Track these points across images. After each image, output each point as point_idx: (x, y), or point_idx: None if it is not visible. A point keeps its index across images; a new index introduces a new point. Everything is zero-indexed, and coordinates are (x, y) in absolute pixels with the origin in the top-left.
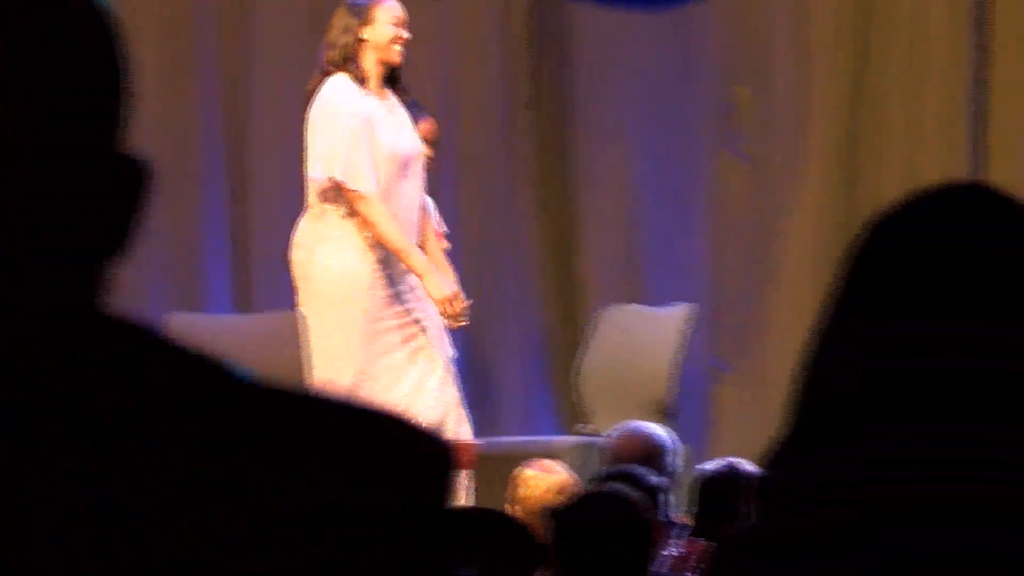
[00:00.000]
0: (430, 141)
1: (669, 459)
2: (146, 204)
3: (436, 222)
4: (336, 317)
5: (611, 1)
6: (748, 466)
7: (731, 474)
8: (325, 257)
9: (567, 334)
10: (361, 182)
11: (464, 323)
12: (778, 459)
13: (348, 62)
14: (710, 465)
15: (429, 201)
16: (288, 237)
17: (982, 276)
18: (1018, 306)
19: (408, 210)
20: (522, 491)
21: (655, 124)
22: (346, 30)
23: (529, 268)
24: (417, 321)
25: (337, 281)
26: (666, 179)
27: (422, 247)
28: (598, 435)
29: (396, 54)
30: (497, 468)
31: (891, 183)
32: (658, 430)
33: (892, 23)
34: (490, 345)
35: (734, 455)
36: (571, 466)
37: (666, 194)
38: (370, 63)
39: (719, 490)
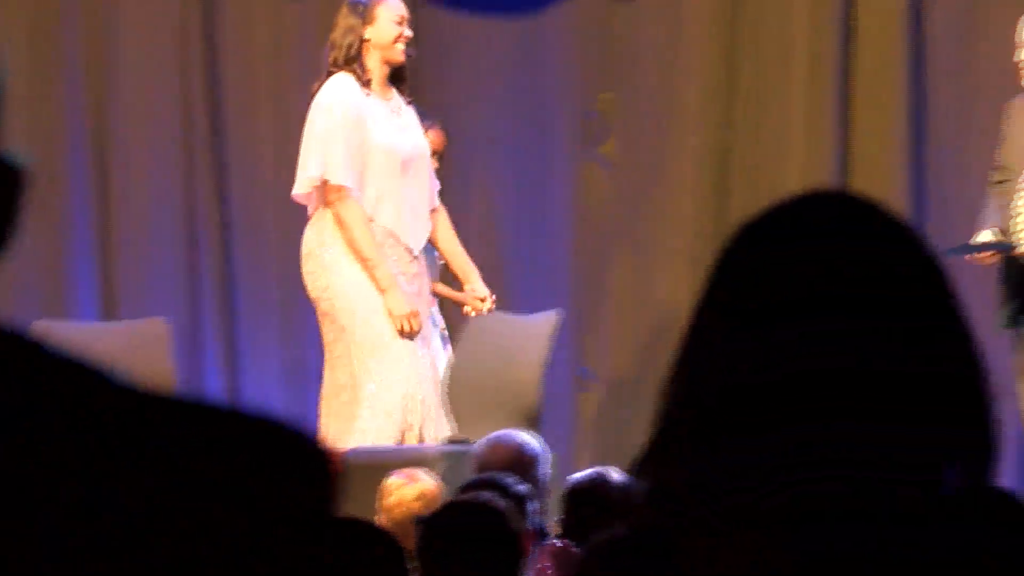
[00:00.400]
0: (437, 152)
1: (540, 468)
2: (21, 208)
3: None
4: (355, 321)
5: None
6: (616, 475)
7: (599, 483)
8: (334, 264)
9: None
10: (336, 174)
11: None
12: (645, 467)
13: (351, 62)
14: (579, 474)
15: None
16: (155, 244)
17: (842, 282)
18: (879, 309)
19: (412, 211)
20: (388, 500)
21: (518, 131)
22: (349, 30)
23: None
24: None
25: (350, 287)
26: (530, 186)
27: (436, 246)
28: (467, 443)
29: (399, 53)
30: (366, 477)
31: (759, 190)
32: (528, 439)
33: (758, 31)
34: None
35: (600, 463)
36: (440, 474)
37: (531, 201)
38: (374, 62)
39: (588, 499)
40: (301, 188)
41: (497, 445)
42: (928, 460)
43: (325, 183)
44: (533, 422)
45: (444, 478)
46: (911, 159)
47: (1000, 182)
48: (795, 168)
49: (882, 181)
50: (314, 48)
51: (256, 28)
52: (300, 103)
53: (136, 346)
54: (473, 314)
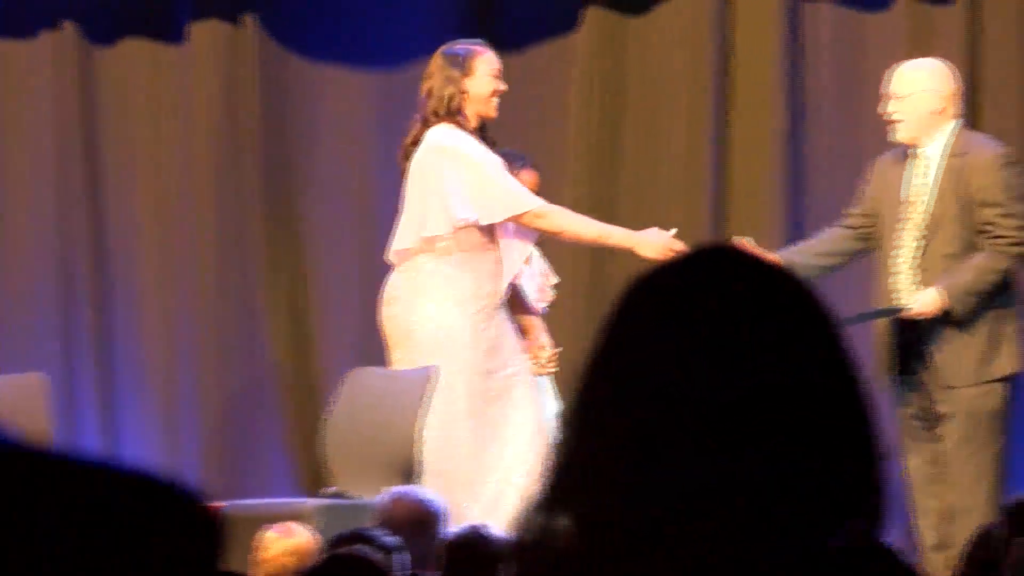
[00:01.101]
0: (533, 192)
1: (441, 524)
2: None
3: (542, 274)
4: (444, 372)
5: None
6: (493, 529)
7: (476, 537)
8: (425, 311)
9: (307, 399)
10: (530, 200)
11: (553, 370)
12: (530, 520)
13: (453, 114)
14: (455, 528)
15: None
16: (32, 299)
17: (733, 341)
18: (770, 368)
19: (509, 264)
20: (262, 554)
21: (391, 185)
22: (449, 81)
23: (265, 332)
24: (515, 372)
25: (441, 334)
26: None
27: (514, 307)
28: (344, 497)
29: (494, 108)
30: (241, 531)
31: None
32: (430, 495)
33: (640, 81)
34: (230, 407)
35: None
36: (316, 529)
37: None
38: (470, 114)
39: (464, 553)
40: (441, 229)
41: (399, 501)
42: (816, 517)
43: (517, 219)
44: (410, 477)
45: (321, 532)
46: (788, 211)
47: (865, 229)
48: (672, 222)
49: (759, 236)
50: (194, 108)
51: (134, 86)
52: (180, 161)
53: (13, 401)
54: (537, 366)
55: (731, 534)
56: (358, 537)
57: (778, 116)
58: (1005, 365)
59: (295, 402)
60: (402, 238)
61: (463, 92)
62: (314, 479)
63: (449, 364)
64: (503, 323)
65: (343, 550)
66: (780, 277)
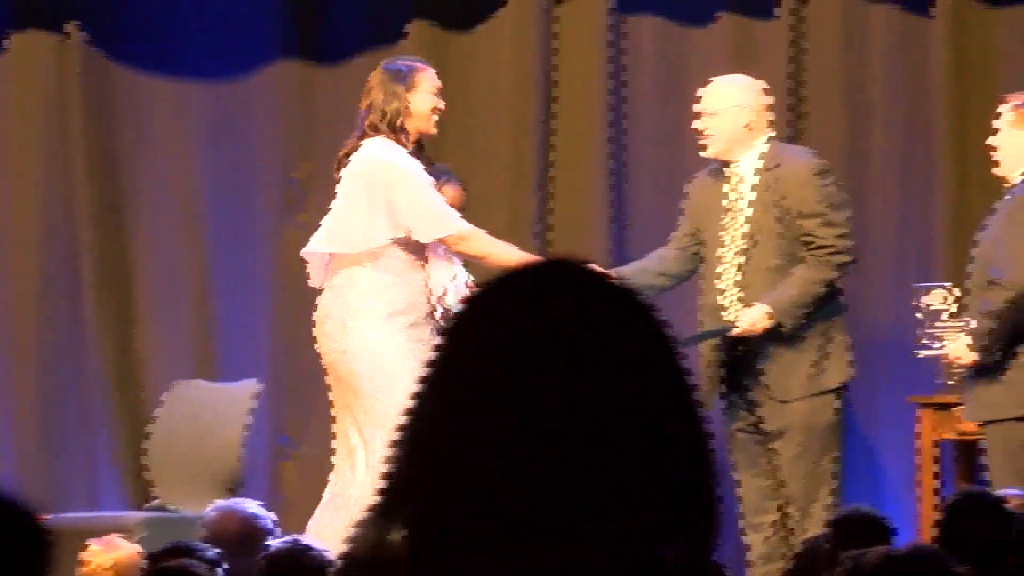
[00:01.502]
0: (458, 207)
1: (269, 538)
2: None
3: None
4: (383, 385)
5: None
6: (315, 544)
7: (297, 552)
8: (357, 329)
9: (133, 410)
10: (457, 223)
11: None
12: (362, 535)
13: (395, 129)
14: (276, 542)
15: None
16: None
17: (569, 354)
18: (605, 383)
19: (436, 283)
20: (85, 567)
21: (220, 198)
22: (393, 95)
23: (91, 343)
24: None
25: (378, 348)
26: (232, 253)
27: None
28: (168, 510)
29: (433, 125)
30: (66, 544)
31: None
32: (259, 509)
33: (464, 94)
34: (53, 421)
35: (300, 532)
36: (141, 542)
37: (233, 268)
38: (410, 131)
39: (285, 568)
40: (379, 242)
41: (227, 514)
42: (647, 531)
43: (445, 240)
44: (234, 490)
45: (144, 545)
46: (611, 223)
47: (692, 248)
48: (495, 233)
49: (582, 247)
50: (17, 119)
51: None
52: (4, 171)
53: None
54: None
55: (562, 546)
56: (180, 550)
57: (601, 129)
58: (835, 376)
59: (122, 413)
60: (332, 242)
61: (406, 108)
62: (142, 492)
63: (387, 378)
64: (434, 341)
65: (167, 564)
66: (617, 292)
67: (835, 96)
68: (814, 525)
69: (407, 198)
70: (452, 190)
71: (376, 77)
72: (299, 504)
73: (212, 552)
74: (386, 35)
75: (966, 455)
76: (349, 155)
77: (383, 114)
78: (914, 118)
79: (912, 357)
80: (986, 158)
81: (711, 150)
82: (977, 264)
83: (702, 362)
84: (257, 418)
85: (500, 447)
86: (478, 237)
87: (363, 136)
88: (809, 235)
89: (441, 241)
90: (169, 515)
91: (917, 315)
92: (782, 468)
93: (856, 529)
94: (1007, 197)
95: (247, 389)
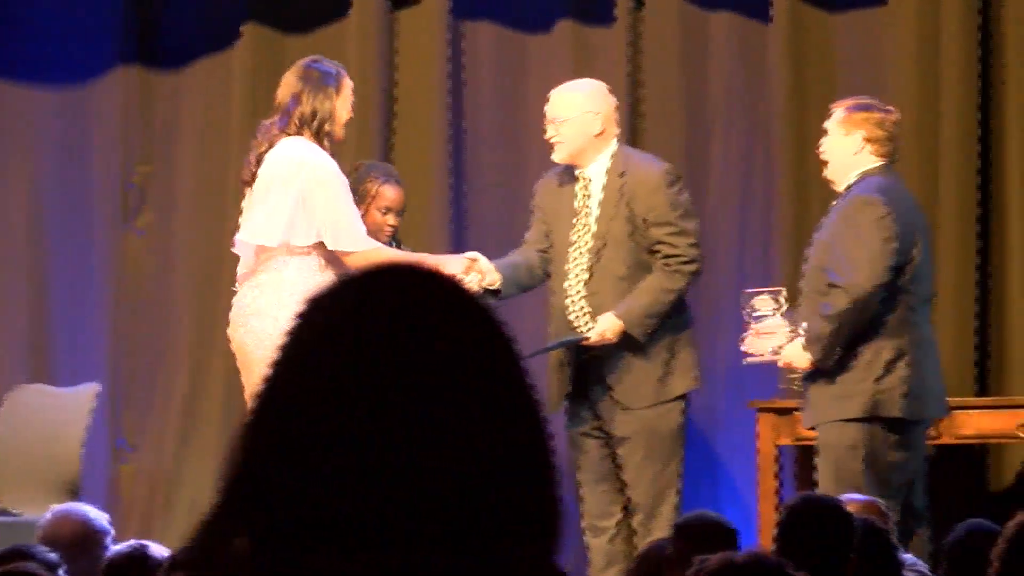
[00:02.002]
0: (398, 208)
1: (106, 543)
2: None
3: None
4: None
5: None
6: (156, 548)
7: (138, 556)
8: (267, 329)
9: None
10: (366, 241)
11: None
12: (203, 537)
13: (320, 130)
14: (117, 547)
15: None
16: None
17: (411, 359)
18: (446, 388)
19: None
20: None
21: (59, 203)
22: (325, 96)
23: None
24: None
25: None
26: (70, 257)
27: None
28: (7, 514)
29: (343, 132)
30: None
31: None
32: (96, 513)
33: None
34: None
35: (140, 536)
36: None
37: (71, 272)
38: (331, 134)
39: (126, 573)
40: (306, 241)
41: (64, 518)
42: (489, 537)
43: (346, 252)
44: (73, 494)
45: None
46: (452, 228)
47: (543, 251)
48: None
49: (424, 251)
50: None
51: None
52: None
53: None
54: None
55: (405, 550)
56: (20, 554)
57: (441, 133)
58: (680, 385)
59: None
60: (259, 235)
61: (335, 111)
62: None
63: None
64: None
65: (7, 567)
66: (459, 296)
67: (674, 102)
68: (658, 530)
69: (325, 204)
70: (393, 191)
71: (305, 74)
72: (137, 507)
73: (53, 556)
74: (222, 39)
75: (807, 460)
76: (268, 149)
77: (313, 113)
78: (753, 124)
79: (743, 364)
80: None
81: (561, 156)
82: (811, 268)
83: (549, 366)
84: (95, 422)
85: (342, 451)
86: (381, 250)
87: (284, 131)
88: (659, 243)
89: (343, 255)
90: (9, 519)
91: (747, 321)
92: (625, 474)
93: (700, 534)
94: (839, 202)
95: (86, 393)
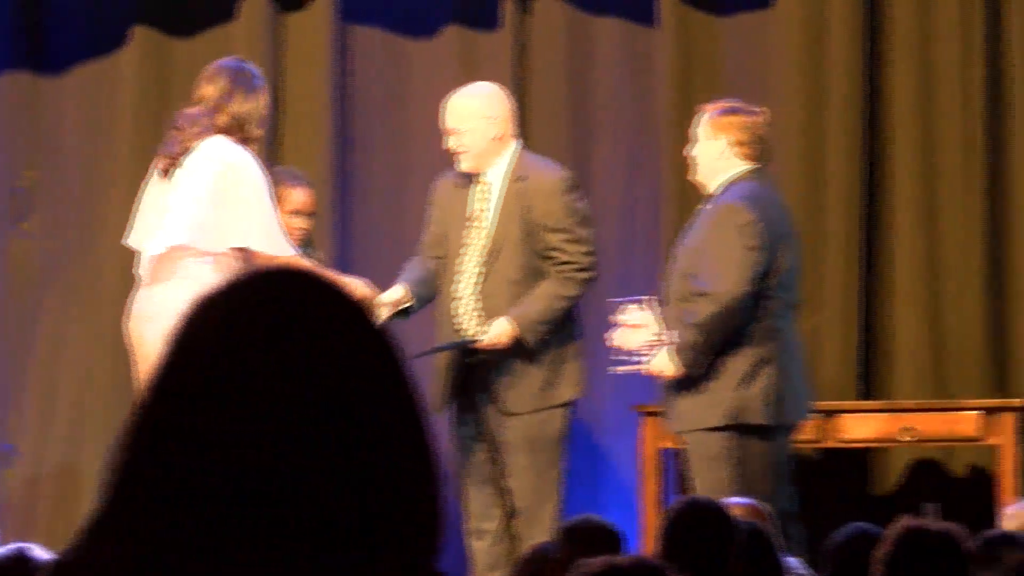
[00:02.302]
0: (308, 211)
1: None
2: None
3: None
4: None
5: None
6: (40, 552)
7: (21, 560)
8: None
9: None
10: (288, 248)
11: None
12: (85, 542)
13: (242, 129)
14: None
15: None
16: None
17: (293, 363)
18: (328, 391)
19: None
20: None
21: None
22: (251, 98)
23: None
24: None
25: None
26: None
27: None
28: None
29: (260, 137)
30: None
31: None
32: None
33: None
34: None
35: (24, 540)
36: None
37: None
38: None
39: None
40: (225, 243)
41: None
42: (370, 540)
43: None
44: None
45: None
46: (337, 232)
47: (440, 258)
48: None
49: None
50: None
51: None
52: None
53: None
54: None
55: (285, 554)
56: None
57: (328, 137)
58: (566, 392)
59: None
60: (173, 235)
61: (259, 111)
62: None
63: None
64: None
65: None
66: (340, 300)
67: (559, 107)
68: (539, 535)
69: (255, 207)
70: (304, 194)
71: (231, 74)
72: (21, 510)
73: None
74: (109, 42)
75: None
76: (187, 150)
77: (239, 114)
78: (639, 128)
79: (609, 372)
80: None
81: (466, 165)
82: (677, 275)
83: (435, 369)
84: None
85: (223, 453)
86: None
87: (208, 129)
88: (554, 249)
89: (266, 260)
90: None
91: (615, 329)
92: (508, 478)
93: (585, 538)
94: (708, 207)
95: None
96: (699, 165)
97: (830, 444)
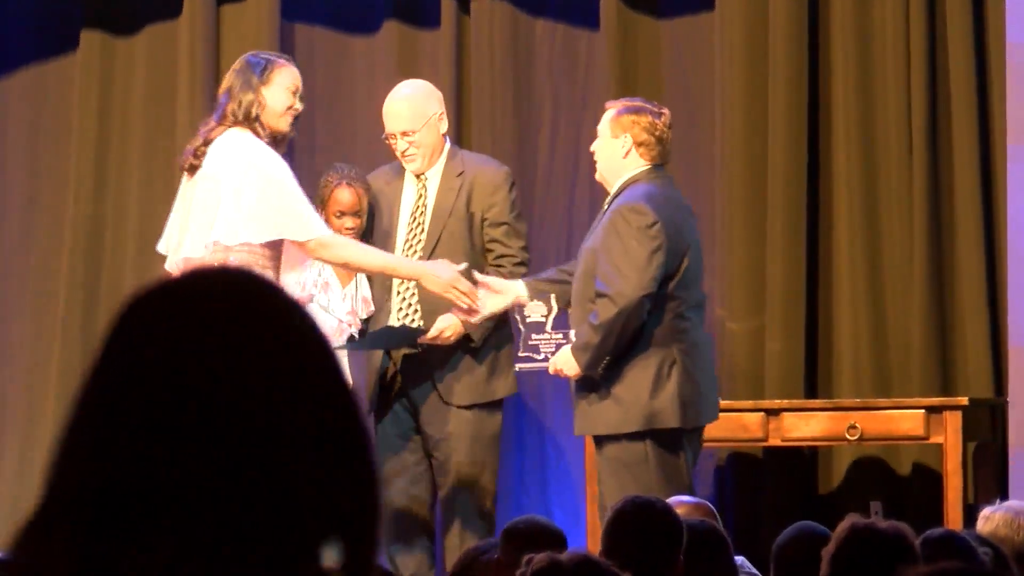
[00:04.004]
0: (353, 210)
1: None
2: None
3: (363, 299)
4: None
5: None
6: None
7: None
8: None
9: None
10: (317, 228)
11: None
12: (22, 541)
13: (250, 120)
14: None
15: None
16: None
17: (227, 365)
18: (264, 392)
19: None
20: None
21: None
22: (247, 85)
23: None
24: None
25: None
26: None
27: None
28: None
29: (287, 124)
30: None
31: (136, 260)
32: None
33: (140, 99)
34: None
35: None
36: None
37: None
38: (265, 124)
39: None
40: (238, 240)
41: None
42: (306, 540)
43: (304, 244)
44: None
45: None
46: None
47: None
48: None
49: None
50: None
51: None
52: None
53: None
54: None
55: (220, 554)
56: None
57: None
58: (502, 387)
59: None
60: (195, 246)
61: (260, 100)
62: None
63: None
64: None
65: None
66: (273, 296)
67: (500, 107)
68: (472, 534)
69: (273, 196)
70: (348, 193)
71: (237, 64)
72: None
73: None
74: (60, 43)
75: None
76: (207, 143)
77: (239, 103)
78: (580, 129)
79: (515, 370)
80: None
81: (417, 166)
82: (581, 274)
83: (369, 364)
84: None
85: (155, 453)
86: (337, 244)
87: (221, 123)
88: (494, 242)
89: (300, 246)
90: None
91: (519, 327)
92: (440, 475)
93: (528, 538)
94: (608, 206)
95: None
96: (600, 162)
97: (775, 443)
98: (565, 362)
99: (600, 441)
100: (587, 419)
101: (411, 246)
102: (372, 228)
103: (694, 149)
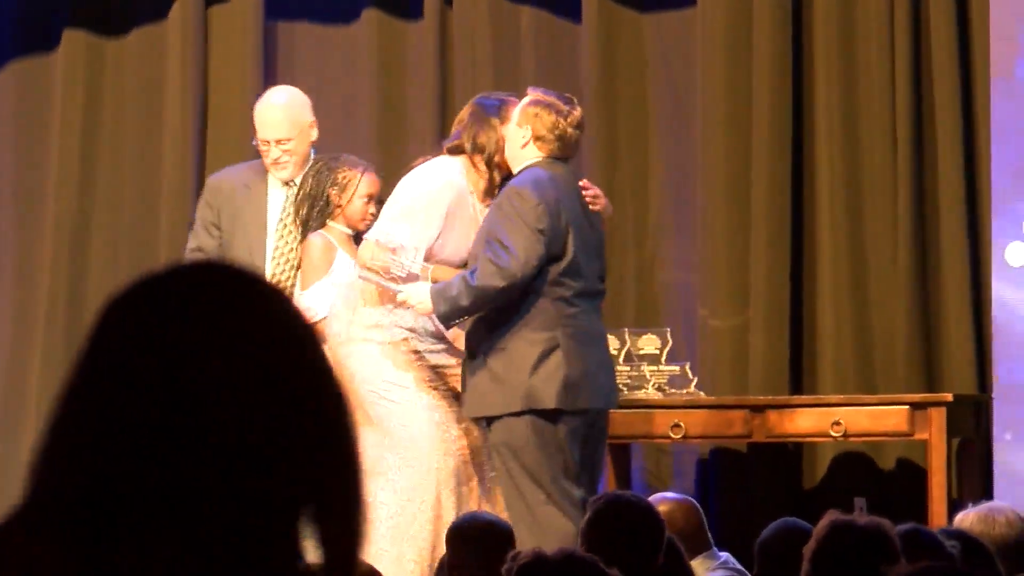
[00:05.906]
0: (376, 197)
1: None
2: None
3: None
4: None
5: None
6: None
7: None
8: (366, 323)
9: None
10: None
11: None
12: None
13: (492, 165)
14: None
15: None
16: None
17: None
18: (248, 386)
19: None
20: None
21: None
22: (492, 129)
23: None
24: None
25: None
26: None
27: None
28: None
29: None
30: None
31: (122, 258)
32: None
33: (121, 99)
34: None
35: None
36: None
37: None
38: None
39: None
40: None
41: None
42: (290, 536)
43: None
44: None
45: None
46: None
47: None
48: (141, 240)
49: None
50: None
51: None
52: None
53: None
54: None
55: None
56: None
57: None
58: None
59: None
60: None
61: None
62: None
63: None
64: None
65: None
66: (262, 290)
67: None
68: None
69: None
70: (374, 179)
71: (473, 109)
72: None
73: None
74: (41, 42)
75: (616, 458)
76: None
77: (475, 144)
78: None
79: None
80: (635, 163)
81: (289, 173)
82: (471, 258)
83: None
84: None
85: (141, 448)
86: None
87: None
88: None
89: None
90: None
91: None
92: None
93: (475, 537)
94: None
95: None
96: (505, 148)
97: (759, 439)
98: (419, 297)
99: (488, 423)
100: (473, 399)
101: (283, 254)
102: (227, 228)
103: (676, 144)
